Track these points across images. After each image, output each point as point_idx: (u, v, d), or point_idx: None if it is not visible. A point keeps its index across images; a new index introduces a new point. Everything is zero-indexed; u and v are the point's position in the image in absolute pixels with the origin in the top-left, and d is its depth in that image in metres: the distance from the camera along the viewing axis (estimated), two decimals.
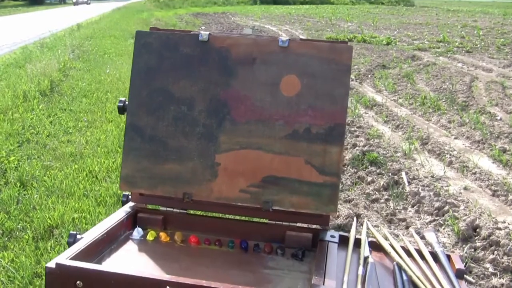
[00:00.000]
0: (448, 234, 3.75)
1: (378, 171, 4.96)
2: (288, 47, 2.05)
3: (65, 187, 4.32)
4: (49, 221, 3.72)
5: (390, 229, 3.83)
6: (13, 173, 4.59)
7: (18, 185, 4.35)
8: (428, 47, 14.28)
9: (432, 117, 7.01)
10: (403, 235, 3.66)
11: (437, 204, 4.17)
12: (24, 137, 5.64)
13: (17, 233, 3.60)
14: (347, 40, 15.84)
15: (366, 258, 1.87)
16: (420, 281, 1.75)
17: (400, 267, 1.84)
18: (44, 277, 3.01)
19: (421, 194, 4.38)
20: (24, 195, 4.20)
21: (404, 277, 1.78)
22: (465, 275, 3.13)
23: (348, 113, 6.98)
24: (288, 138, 2.01)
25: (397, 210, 4.15)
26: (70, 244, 1.82)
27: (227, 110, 2.05)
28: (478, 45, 14.47)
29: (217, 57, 2.08)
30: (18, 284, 2.96)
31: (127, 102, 2.14)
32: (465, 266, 3.22)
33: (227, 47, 2.08)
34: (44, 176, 4.58)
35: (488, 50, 13.56)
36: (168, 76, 2.10)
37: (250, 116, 2.04)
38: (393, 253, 1.91)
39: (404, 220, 3.97)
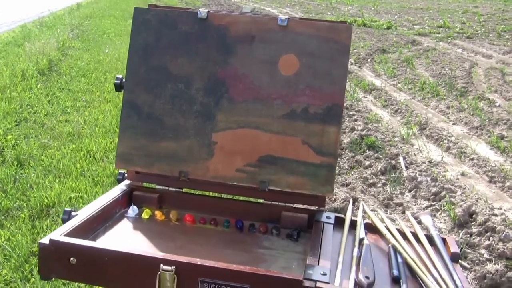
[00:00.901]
0: (445, 220, 3.76)
1: (375, 155, 4.96)
2: (287, 26, 2.03)
3: (62, 167, 4.32)
4: (45, 200, 3.72)
5: (387, 213, 3.83)
6: (11, 152, 4.59)
7: (15, 164, 4.35)
8: (429, 32, 14.24)
9: (431, 102, 7.00)
10: (399, 219, 3.66)
11: (434, 190, 4.17)
12: (21, 116, 5.63)
13: (14, 212, 3.61)
14: (347, 23, 15.77)
15: (361, 240, 1.87)
16: (415, 263, 1.74)
17: (395, 249, 1.83)
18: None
19: (418, 179, 4.39)
20: (21, 174, 4.20)
21: (399, 259, 1.77)
22: (460, 261, 3.15)
23: (346, 97, 6.98)
24: (286, 117, 2.00)
25: (394, 195, 4.16)
26: (64, 220, 1.81)
27: (225, 88, 2.04)
28: (479, 31, 14.42)
29: (216, 35, 2.06)
30: (14, 263, 2.97)
31: (124, 80, 2.13)
32: (460, 252, 3.23)
33: (225, 25, 2.06)
34: (42, 155, 4.58)
35: (488, 37, 13.53)
36: (166, 54, 2.08)
37: (248, 95, 2.02)
38: (388, 235, 1.90)
39: (400, 204, 3.98)
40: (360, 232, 1.92)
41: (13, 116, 5.59)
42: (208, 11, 2.08)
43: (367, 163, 4.77)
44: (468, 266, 3.18)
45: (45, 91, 6.66)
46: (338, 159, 4.84)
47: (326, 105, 1.98)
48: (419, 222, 2.64)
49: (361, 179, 4.45)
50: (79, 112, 5.94)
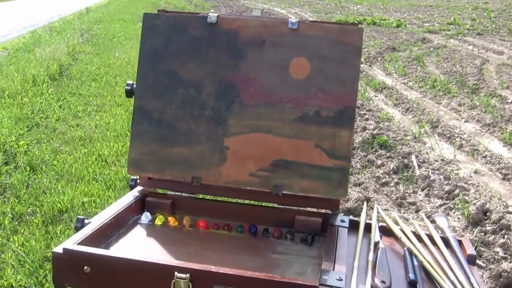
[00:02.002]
0: (458, 218, 3.74)
1: (388, 154, 4.94)
2: (298, 29, 2.02)
3: (75, 171, 4.33)
4: (58, 205, 3.72)
5: (400, 212, 3.81)
6: (23, 157, 4.60)
7: (28, 169, 4.35)
8: (439, 29, 14.20)
9: (442, 100, 6.97)
10: (413, 219, 3.65)
11: (447, 188, 4.15)
12: (33, 122, 5.64)
13: (27, 217, 3.61)
14: (357, 22, 15.77)
15: (376, 243, 1.85)
16: (431, 266, 1.73)
17: (410, 252, 1.82)
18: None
19: (431, 178, 4.37)
20: (34, 179, 4.21)
21: (415, 263, 1.76)
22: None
23: (358, 96, 6.95)
24: (298, 121, 1.99)
25: (407, 194, 4.14)
26: (77, 228, 1.80)
27: (236, 93, 2.03)
28: (489, 28, 14.37)
29: (226, 39, 2.06)
30: (28, 268, 2.97)
31: (134, 86, 2.13)
32: (475, 250, 3.21)
33: (236, 29, 2.05)
34: (54, 160, 4.59)
35: (499, 33, 13.47)
36: (176, 59, 2.08)
37: (259, 99, 2.02)
38: (403, 238, 1.89)
39: (414, 203, 3.96)
40: (375, 235, 1.91)
41: (25, 121, 5.61)
42: (218, 16, 2.08)
43: (379, 162, 4.75)
44: (483, 265, 3.16)
45: (56, 96, 6.68)
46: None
47: (338, 108, 1.97)
48: (433, 222, 2.63)
49: (374, 179, 4.43)
50: (90, 116, 5.95)
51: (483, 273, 3.09)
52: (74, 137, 5.18)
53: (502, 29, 14.09)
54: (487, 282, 3.01)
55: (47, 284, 2.86)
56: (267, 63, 2.02)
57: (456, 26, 14.82)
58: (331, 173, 1.96)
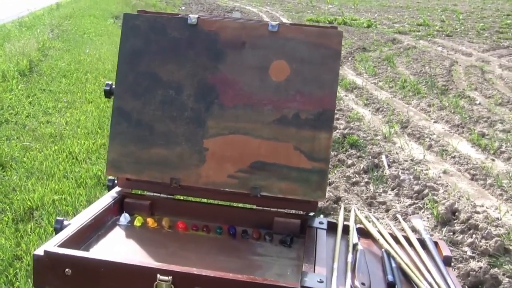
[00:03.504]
0: (428, 218, 3.79)
1: (358, 154, 4.98)
2: (278, 31, 2.03)
3: (45, 169, 4.29)
4: (29, 203, 3.69)
5: (370, 212, 3.85)
6: None
7: None
8: (409, 30, 14.33)
9: (412, 100, 7.04)
10: (383, 218, 3.68)
11: (416, 188, 4.20)
12: (2, 118, 5.57)
13: None
14: (327, 22, 15.87)
15: (355, 245, 1.87)
16: (409, 267, 1.76)
17: (388, 254, 1.84)
18: (24, 260, 3.00)
19: (401, 178, 4.41)
20: (4, 176, 4.16)
21: (393, 264, 1.79)
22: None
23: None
24: (277, 123, 2.00)
25: (377, 193, 4.18)
26: (57, 230, 1.79)
27: (215, 94, 2.04)
28: (458, 29, 14.53)
29: (206, 41, 2.06)
30: None
31: (113, 86, 2.12)
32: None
33: (216, 31, 2.06)
34: (24, 157, 4.54)
35: (468, 34, 13.63)
36: (156, 60, 2.08)
37: (239, 101, 2.02)
38: (381, 240, 1.91)
39: (384, 203, 3.99)
40: (353, 237, 1.93)
41: None
42: (198, 17, 2.08)
43: (349, 162, 4.78)
44: (452, 264, 3.21)
45: (26, 92, 6.60)
46: None
47: (317, 111, 1.98)
48: (410, 224, 2.66)
49: (344, 178, 4.46)
50: (61, 113, 5.90)
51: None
52: (44, 134, 5.13)
53: (470, 31, 14.26)
54: None
55: (17, 283, 2.84)
56: (246, 65, 2.03)
57: (426, 28, 14.96)
58: (310, 175, 1.98)
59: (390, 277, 1.71)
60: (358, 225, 2.03)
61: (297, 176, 1.99)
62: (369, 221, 2.07)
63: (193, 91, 2.05)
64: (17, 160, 4.48)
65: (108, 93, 2.13)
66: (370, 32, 13.75)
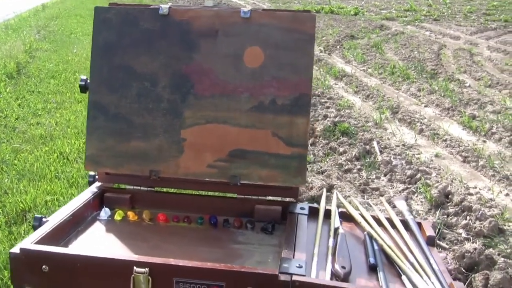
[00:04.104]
0: (421, 202, 3.77)
1: (349, 141, 4.96)
2: (251, 18, 2.01)
3: (36, 170, 4.27)
4: (21, 205, 3.67)
5: (364, 198, 3.83)
6: None
7: None
8: (396, 16, 14.30)
9: (402, 86, 7.02)
10: (375, 204, 3.67)
11: (409, 172, 4.18)
12: None
13: None
14: (314, 11, 15.84)
15: (336, 229, 1.86)
16: (391, 249, 1.74)
17: (371, 237, 1.83)
18: None
19: (393, 163, 4.39)
20: None
21: (375, 246, 1.77)
22: (438, 241, 3.16)
23: (318, 85, 6.97)
24: (254, 110, 1.99)
25: (370, 180, 4.16)
26: (35, 227, 1.78)
27: (191, 84, 2.02)
28: (445, 13, 14.52)
29: (179, 31, 2.04)
30: None
31: (88, 81, 2.10)
32: (438, 232, 3.24)
33: (188, 20, 2.04)
34: (15, 159, 4.52)
35: (455, 18, 13.62)
36: (129, 52, 2.06)
37: (214, 90, 2.01)
38: (363, 223, 1.90)
39: (377, 189, 3.98)
40: (335, 221, 1.91)
41: None
42: (170, 7, 2.06)
43: (341, 149, 4.76)
44: (447, 246, 3.19)
45: (15, 94, 6.56)
46: (313, 147, 4.84)
47: (294, 96, 1.97)
48: (394, 206, 2.64)
49: (337, 166, 4.44)
50: (50, 114, 5.87)
51: (447, 254, 3.11)
52: (34, 135, 5.10)
53: (458, 15, 14.25)
54: (451, 263, 3.04)
55: (12, 286, 2.82)
56: (220, 54, 2.02)
57: (413, 13, 14.94)
58: (289, 161, 1.97)
59: (372, 260, 1.70)
60: (340, 209, 2.02)
61: (276, 163, 1.97)
62: (352, 205, 2.06)
63: (168, 82, 2.04)
64: (8, 162, 4.46)
65: (83, 88, 2.11)
66: (357, 20, 13.72)
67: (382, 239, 1.80)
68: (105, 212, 2.03)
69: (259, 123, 1.98)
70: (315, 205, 2.03)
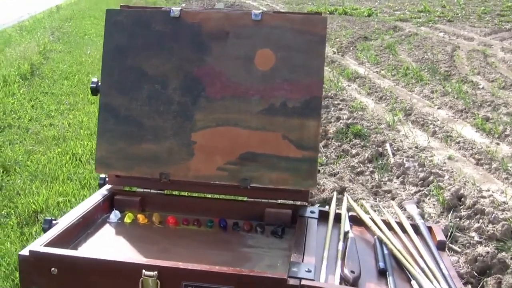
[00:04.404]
0: (434, 204, 3.75)
1: (362, 143, 4.94)
2: (262, 20, 2.01)
3: (49, 171, 4.28)
4: (33, 206, 3.68)
5: (376, 201, 3.81)
6: None
7: (1, 170, 4.29)
8: (409, 17, 14.25)
9: (415, 87, 6.99)
10: (383, 207, 3.65)
11: (421, 175, 4.16)
12: (5, 122, 5.57)
13: (1, 219, 3.56)
14: (328, 12, 15.83)
15: (346, 233, 1.85)
16: (401, 254, 1.73)
17: (381, 241, 1.82)
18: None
19: (406, 165, 4.37)
20: (8, 181, 4.16)
21: (385, 251, 1.76)
22: (451, 245, 3.14)
23: (331, 86, 6.96)
24: (265, 113, 1.98)
25: (382, 182, 4.14)
26: (45, 230, 1.79)
27: (202, 87, 2.02)
28: (459, 14, 14.45)
29: (190, 33, 2.04)
30: (4, 271, 2.93)
31: (99, 83, 2.10)
32: (450, 236, 3.22)
33: (199, 23, 2.04)
34: (27, 160, 4.54)
35: (469, 19, 13.55)
36: (140, 55, 2.06)
37: (225, 92, 2.00)
38: (373, 227, 1.89)
39: (389, 191, 3.96)
40: (345, 225, 1.90)
41: None
42: (181, 9, 2.06)
43: (354, 151, 4.75)
44: (459, 250, 3.17)
45: (28, 96, 6.59)
46: (325, 149, 4.83)
47: (305, 98, 1.96)
48: (405, 211, 2.63)
49: (349, 168, 4.42)
50: (64, 115, 5.89)
51: (459, 258, 3.10)
52: (47, 136, 5.12)
53: (472, 15, 14.18)
54: (463, 266, 3.02)
55: None
56: (231, 56, 2.01)
57: (427, 14, 14.88)
58: (300, 164, 1.96)
59: (381, 264, 1.69)
60: (350, 213, 2.01)
61: (287, 166, 1.97)
62: (362, 208, 2.05)
63: (179, 84, 2.04)
64: (21, 164, 4.48)
65: (94, 91, 2.12)
66: (371, 21, 13.68)
67: (392, 244, 1.79)
68: (115, 215, 2.03)
69: (270, 125, 1.98)
70: (326, 208, 2.02)
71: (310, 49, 1.97)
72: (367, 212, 2.01)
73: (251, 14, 2.02)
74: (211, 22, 2.03)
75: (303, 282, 1.50)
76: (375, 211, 2.04)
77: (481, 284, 2.85)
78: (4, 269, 2.94)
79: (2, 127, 5.44)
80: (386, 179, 4.22)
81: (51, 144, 4.92)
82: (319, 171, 4.33)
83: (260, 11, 2.03)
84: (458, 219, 3.52)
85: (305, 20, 1.99)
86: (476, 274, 2.92)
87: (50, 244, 1.67)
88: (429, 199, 3.84)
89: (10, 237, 3.29)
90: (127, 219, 2.02)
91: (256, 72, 2.00)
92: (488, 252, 3.02)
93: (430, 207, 3.71)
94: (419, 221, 1.96)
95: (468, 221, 3.47)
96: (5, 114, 5.82)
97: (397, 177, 4.24)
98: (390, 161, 4.50)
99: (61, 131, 5.25)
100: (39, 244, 1.65)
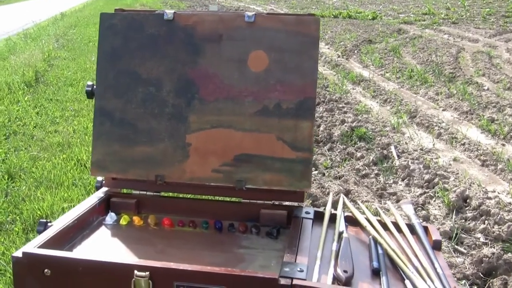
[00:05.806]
0: (439, 206, 3.74)
1: (367, 146, 4.94)
2: (255, 22, 2.01)
3: (54, 177, 4.29)
4: (38, 212, 3.69)
5: (381, 203, 3.81)
6: (1, 165, 4.56)
7: (6, 177, 4.31)
8: (414, 20, 14.25)
9: (420, 90, 6.99)
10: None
11: (427, 177, 4.15)
12: (10, 129, 5.59)
13: (7, 225, 3.57)
14: (332, 16, 15.84)
15: (340, 233, 1.84)
16: (396, 254, 1.72)
17: (375, 241, 1.81)
18: None
19: (411, 167, 4.36)
20: (13, 187, 4.17)
21: (380, 251, 1.75)
22: (456, 246, 3.13)
23: (336, 90, 6.96)
24: (258, 114, 1.98)
25: (387, 185, 4.14)
26: (40, 232, 1.79)
27: (196, 89, 2.02)
28: (464, 16, 14.44)
29: (183, 36, 2.05)
30: (9, 277, 2.94)
31: (95, 86, 2.11)
32: (456, 237, 3.21)
33: (192, 25, 2.04)
34: (32, 167, 4.55)
35: (473, 21, 13.55)
36: (135, 58, 2.07)
37: (219, 94, 2.01)
38: (369, 227, 1.88)
39: (394, 194, 3.96)
40: (340, 225, 1.90)
41: (2, 130, 5.56)
42: (175, 12, 2.07)
43: (358, 154, 4.75)
44: (465, 251, 3.17)
45: (33, 102, 6.62)
46: (330, 152, 4.83)
47: (298, 100, 1.96)
48: (400, 211, 2.62)
49: (354, 171, 4.42)
50: (68, 121, 5.91)
51: (464, 259, 3.09)
52: (52, 143, 5.14)
53: (476, 17, 14.17)
54: (468, 268, 3.01)
55: None
56: (225, 58, 2.02)
57: (431, 16, 14.88)
58: (294, 165, 1.96)
59: (375, 264, 1.68)
60: (346, 214, 2.00)
61: (281, 167, 1.97)
62: (359, 209, 2.04)
63: (173, 86, 2.04)
64: (26, 170, 4.49)
65: (90, 94, 2.12)
66: (375, 24, 13.70)
67: (387, 243, 1.78)
68: (110, 217, 2.04)
69: (264, 127, 1.98)
70: (321, 209, 2.02)
71: (303, 50, 1.98)
72: (363, 213, 2.00)
73: (244, 16, 2.02)
74: (205, 25, 2.04)
75: (295, 281, 1.50)
76: (375, 214, 2.04)
77: (487, 285, 2.85)
78: (10, 274, 2.95)
79: (7, 134, 5.46)
80: (391, 181, 4.22)
81: (56, 151, 4.94)
82: (324, 174, 4.33)
83: (254, 13, 2.03)
84: (463, 220, 3.51)
85: (298, 21, 2.00)
86: (482, 275, 2.92)
87: (44, 246, 1.67)
88: (434, 201, 3.84)
89: (15, 243, 3.30)
90: (123, 221, 2.02)
91: (249, 74, 2.00)
92: (493, 253, 3.01)
93: (435, 209, 3.71)
94: (415, 221, 1.95)
95: (473, 222, 3.46)
96: (10, 121, 5.85)
97: (402, 179, 4.24)
98: (395, 164, 4.50)
99: (66, 137, 5.27)
100: (32, 246, 1.65)
